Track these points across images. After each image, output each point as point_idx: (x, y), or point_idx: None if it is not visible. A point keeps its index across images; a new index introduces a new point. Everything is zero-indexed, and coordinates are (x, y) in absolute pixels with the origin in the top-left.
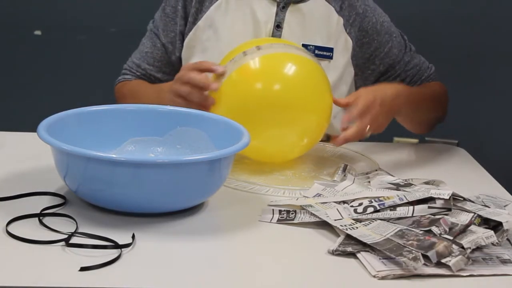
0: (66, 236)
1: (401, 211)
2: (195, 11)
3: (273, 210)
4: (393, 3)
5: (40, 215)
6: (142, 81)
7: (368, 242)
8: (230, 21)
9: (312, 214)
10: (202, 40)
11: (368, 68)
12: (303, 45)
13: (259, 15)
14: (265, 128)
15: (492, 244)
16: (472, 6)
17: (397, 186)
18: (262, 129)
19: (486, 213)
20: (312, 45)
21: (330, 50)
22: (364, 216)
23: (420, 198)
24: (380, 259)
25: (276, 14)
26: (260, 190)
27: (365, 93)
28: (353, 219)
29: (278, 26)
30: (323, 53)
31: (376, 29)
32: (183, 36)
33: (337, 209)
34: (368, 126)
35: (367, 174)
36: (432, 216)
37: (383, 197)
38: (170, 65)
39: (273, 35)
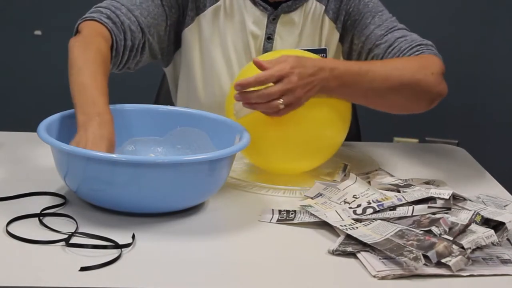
0: (66, 236)
1: (401, 211)
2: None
3: (273, 210)
4: (395, 3)
5: (40, 215)
6: (101, 71)
7: (368, 242)
8: (222, 30)
9: (311, 214)
10: (205, 33)
11: (352, 49)
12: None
13: (251, 26)
14: (279, 161)
15: (492, 244)
16: (472, 6)
17: (397, 187)
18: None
19: (487, 213)
20: (306, 49)
21: (323, 51)
22: (364, 217)
23: (419, 198)
24: (380, 259)
25: (267, 26)
26: (260, 190)
27: (284, 61)
28: (353, 219)
29: (269, 38)
30: (316, 55)
31: (359, 9)
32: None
33: (336, 210)
34: (281, 99)
35: (367, 174)
36: (432, 216)
37: (382, 198)
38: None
39: (264, 47)
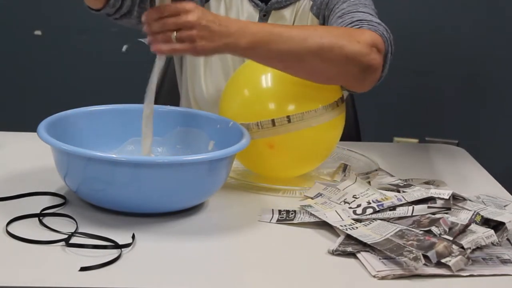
0: (66, 236)
1: (400, 211)
2: None
3: (272, 210)
4: (396, 4)
5: (40, 215)
6: None
7: (368, 242)
8: None
9: (311, 214)
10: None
11: None
12: None
13: None
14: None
15: (492, 244)
16: (472, 7)
17: (397, 187)
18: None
19: (487, 213)
20: None
21: None
22: (364, 217)
23: (419, 198)
24: (380, 259)
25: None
26: (260, 190)
27: (192, 3)
28: (353, 219)
29: None
30: None
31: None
32: None
33: (336, 210)
34: (175, 32)
35: (367, 174)
36: (432, 216)
37: (382, 198)
38: None
39: None
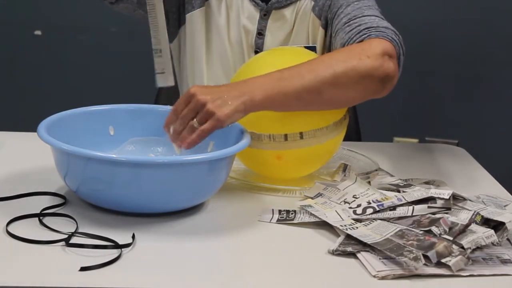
0: (66, 236)
1: (401, 211)
2: None
3: (272, 210)
4: (397, 5)
5: (40, 215)
6: None
7: (368, 242)
8: (222, 22)
9: (311, 214)
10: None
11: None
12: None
13: (244, 21)
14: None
15: (492, 244)
16: (472, 8)
17: (397, 187)
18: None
19: (487, 212)
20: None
21: (313, 48)
22: (364, 217)
23: (419, 198)
24: (380, 259)
25: (258, 21)
26: (260, 190)
27: (191, 88)
28: (353, 219)
29: (259, 33)
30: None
31: (338, 0)
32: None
33: (336, 210)
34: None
35: (367, 174)
36: (432, 216)
37: (382, 198)
38: None
39: (255, 43)
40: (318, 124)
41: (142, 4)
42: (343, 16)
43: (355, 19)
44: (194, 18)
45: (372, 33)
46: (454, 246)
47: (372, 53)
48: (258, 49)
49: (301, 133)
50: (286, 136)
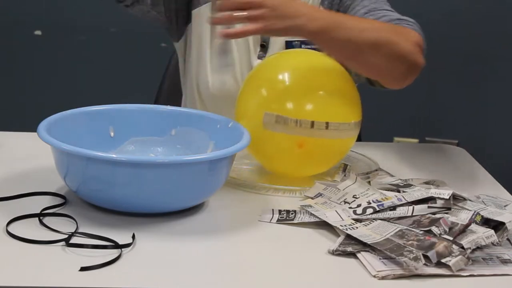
0: (66, 236)
1: (401, 211)
2: None
3: (273, 210)
4: (395, 4)
5: (40, 215)
6: None
7: (368, 242)
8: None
9: (311, 214)
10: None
11: None
12: (287, 42)
13: None
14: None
15: (493, 244)
16: (472, 7)
17: (397, 187)
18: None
19: (487, 213)
20: (297, 40)
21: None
22: (364, 217)
23: (419, 198)
24: (380, 259)
25: None
26: (260, 190)
27: None
28: (353, 219)
29: (262, 46)
30: (308, 46)
31: None
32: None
33: (336, 210)
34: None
35: (367, 174)
36: (432, 216)
37: (382, 198)
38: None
39: (261, 35)
40: (343, 119)
41: (155, 5)
42: (360, 8)
43: (375, 10)
44: (201, 13)
45: (404, 24)
46: (454, 246)
47: (411, 38)
48: (264, 42)
49: (327, 123)
50: (313, 123)
